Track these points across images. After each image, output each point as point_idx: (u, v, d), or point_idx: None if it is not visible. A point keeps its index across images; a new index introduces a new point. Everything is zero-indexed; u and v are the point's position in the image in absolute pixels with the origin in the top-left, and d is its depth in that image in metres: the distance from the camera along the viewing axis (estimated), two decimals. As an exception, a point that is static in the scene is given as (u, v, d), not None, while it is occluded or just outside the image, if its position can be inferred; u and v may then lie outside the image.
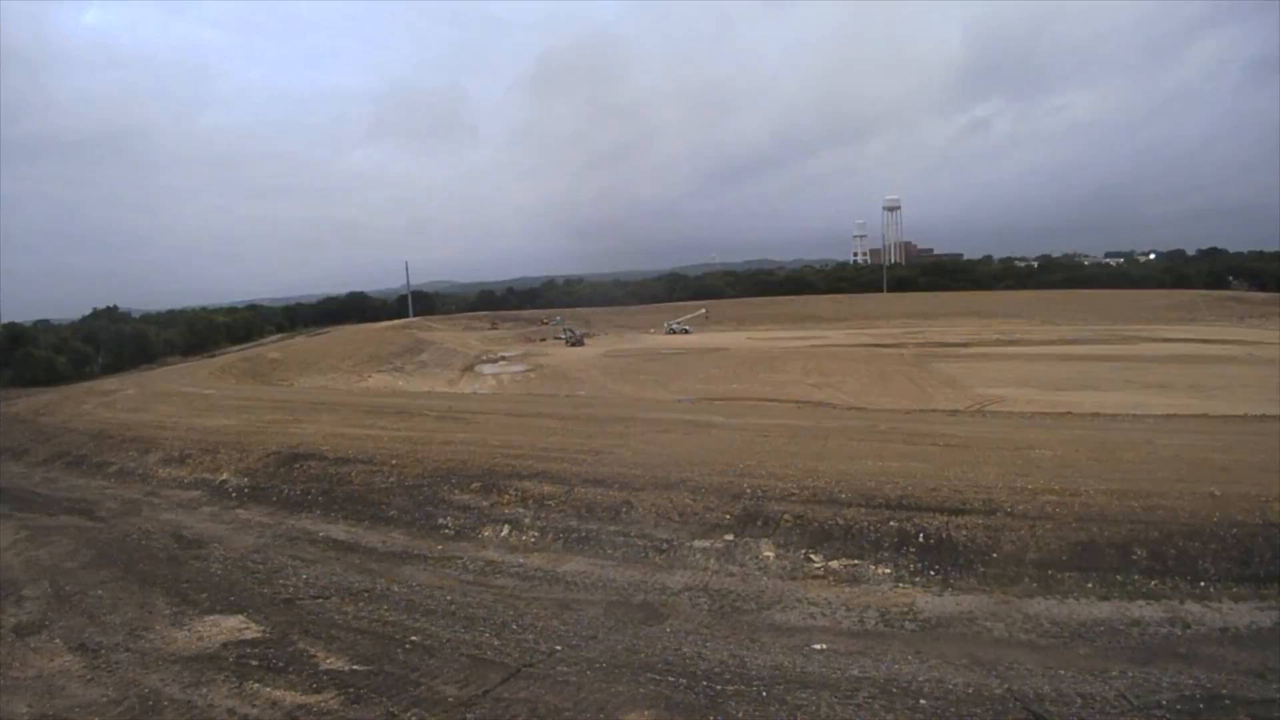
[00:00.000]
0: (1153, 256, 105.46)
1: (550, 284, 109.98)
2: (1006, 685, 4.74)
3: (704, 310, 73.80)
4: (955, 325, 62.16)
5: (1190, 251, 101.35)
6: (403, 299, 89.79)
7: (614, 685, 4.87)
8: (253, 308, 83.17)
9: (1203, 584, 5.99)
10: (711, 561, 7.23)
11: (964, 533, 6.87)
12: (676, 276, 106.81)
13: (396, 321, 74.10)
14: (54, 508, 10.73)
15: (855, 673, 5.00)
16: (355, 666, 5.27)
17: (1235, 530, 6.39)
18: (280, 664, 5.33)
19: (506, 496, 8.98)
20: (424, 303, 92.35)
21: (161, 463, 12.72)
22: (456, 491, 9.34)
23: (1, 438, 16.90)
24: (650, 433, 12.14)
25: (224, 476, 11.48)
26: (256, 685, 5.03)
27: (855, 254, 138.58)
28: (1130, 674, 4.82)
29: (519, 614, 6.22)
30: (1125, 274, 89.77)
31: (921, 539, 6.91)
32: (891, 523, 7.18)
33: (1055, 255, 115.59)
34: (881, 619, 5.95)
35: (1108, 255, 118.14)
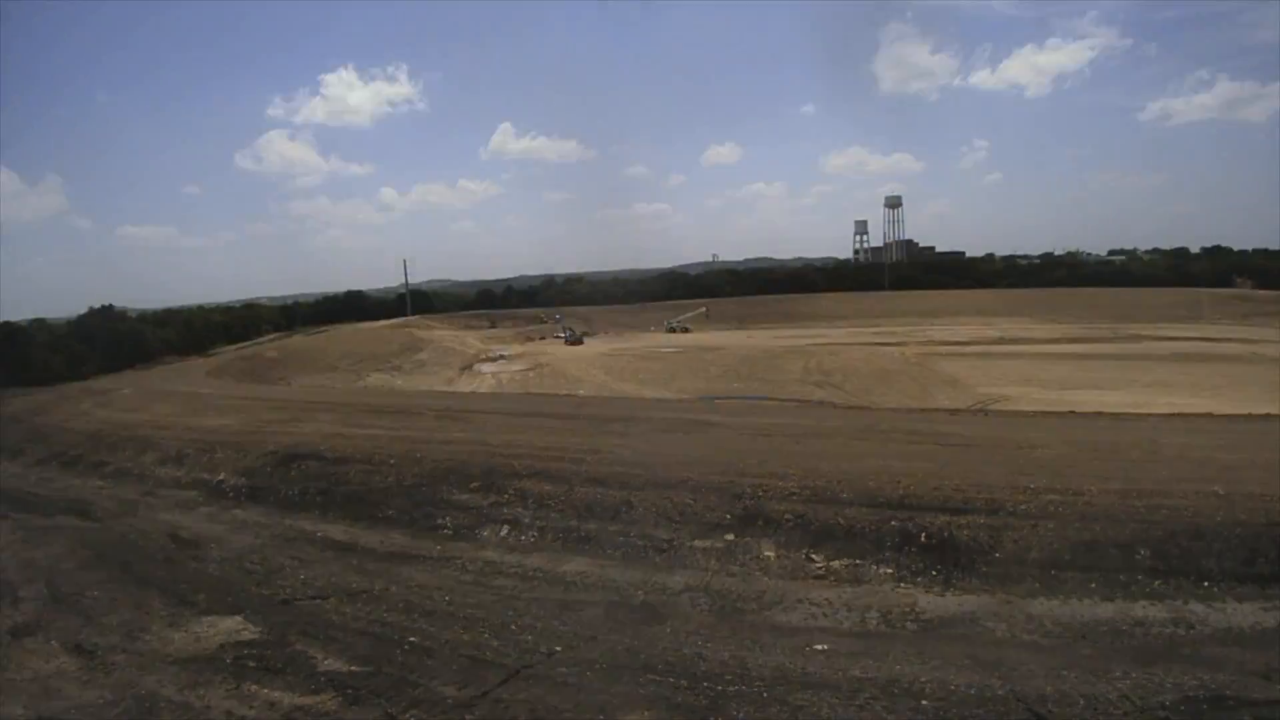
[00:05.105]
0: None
1: (550, 283, 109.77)
2: (1009, 686, 4.70)
3: (704, 309, 73.67)
4: (957, 323, 62.11)
5: (1194, 249, 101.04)
6: (401, 298, 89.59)
7: (614, 686, 4.84)
8: (250, 306, 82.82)
9: (1207, 584, 5.94)
10: (712, 561, 7.18)
11: (966, 532, 6.82)
12: (676, 275, 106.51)
13: (395, 320, 74.02)
14: (50, 508, 10.70)
15: (857, 673, 4.96)
16: (353, 667, 5.24)
17: (1240, 530, 6.34)
18: (278, 665, 5.30)
19: (506, 496, 8.93)
20: (422, 301, 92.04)
21: (158, 463, 12.70)
22: (455, 491, 9.29)
23: (-1, 437, 16.87)
24: (650, 432, 12.11)
25: (221, 476, 11.44)
26: (254, 686, 5.00)
27: (856, 252, 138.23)
28: (1133, 675, 4.77)
29: (518, 614, 6.18)
30: (1128, 272, 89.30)
31: (923, 538, 6.87)
32: (893, 522, 7.13)
33: (1058, 253, 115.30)
34: (883, 619, 5.91)
35: (1111, 253, 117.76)
